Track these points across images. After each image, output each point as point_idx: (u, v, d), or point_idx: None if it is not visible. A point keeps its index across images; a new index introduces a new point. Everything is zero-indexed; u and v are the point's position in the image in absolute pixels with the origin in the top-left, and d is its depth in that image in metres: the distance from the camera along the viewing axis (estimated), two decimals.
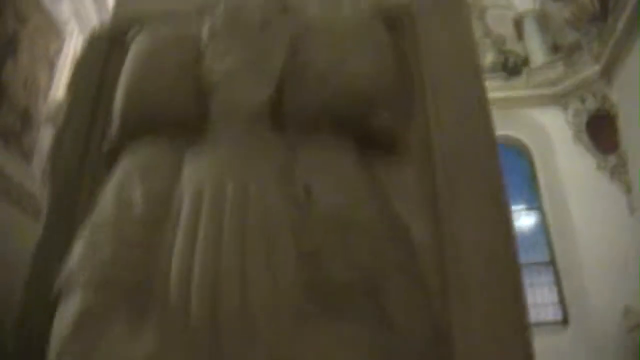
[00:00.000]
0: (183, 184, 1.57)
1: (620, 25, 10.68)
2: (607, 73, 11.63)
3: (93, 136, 2.02)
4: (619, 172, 11.27)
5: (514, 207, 11.45)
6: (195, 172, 1.59)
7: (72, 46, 9.96)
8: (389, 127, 1.68)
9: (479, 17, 12.44)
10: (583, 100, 11.87)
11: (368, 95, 1.68)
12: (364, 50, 1.74)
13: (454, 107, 1.71)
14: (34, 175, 8.58)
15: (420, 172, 1.68)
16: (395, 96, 1.74)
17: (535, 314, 9.72)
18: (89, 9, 10.33)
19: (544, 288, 10.68)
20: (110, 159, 1.87)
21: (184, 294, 1.36)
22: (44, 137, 9.07)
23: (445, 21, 1.88)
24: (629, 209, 10.93)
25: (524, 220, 11.51)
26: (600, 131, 11.60)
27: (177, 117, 1.78)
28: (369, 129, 1.68)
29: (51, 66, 9.70)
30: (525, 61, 12.79)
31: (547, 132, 11.89)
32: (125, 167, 1.68)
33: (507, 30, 13.13)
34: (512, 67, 12.69)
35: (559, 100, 12.12)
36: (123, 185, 1.60)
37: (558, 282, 10.74)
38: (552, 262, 10.96)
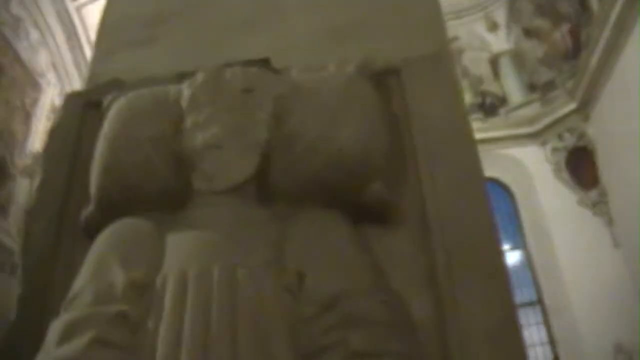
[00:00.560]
0: (166, 266, 1.47)
1: (593, 61, 10.89)
2: (583, 109, 11.83)
3: (69, 207, 1.92)
4: (600, 207, 11.35)
5: None
6: (179, 252, 1.49)
7: (49, 97, 9.89)
8: (382, 198, 1.60)
9: (456, 59, 12.60)
10: (561, 137, 12.03)
11: (360, 166, 1.61)
12: (353, 115, 1.68)
13: (448, 173, 1.64)
14: (10, 230, 8.39)
15: (416, 242, 1.61)
16: (387, 164, 1.67)
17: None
18: (66, 60, 10.29)
19: (532, 328, 10.60)
20: (89, 230, 1.77)
21: None
22: (20, 190, 8.92)
23: (433, 82, 1.83)
24: (612, 243, 10.97)
25: (508, 259, 11.48)
26: (580, 167, 11.73)
27: (157, 190, 1.70)
28: (361, 201, 1.60)
29: (27, 117, 9.60)
30: (503, 101, 12.98)
31: (527, 170, 11.99)
32: (104, 247, 1.58)
33: (483, 70, 13.34)
34: (490, 107, 12.85)
35: (537, 138, 12.27)
36: (102, 271, 1.50)
37: (546, 321, 10.66)
38: (539, 301, 10.90)
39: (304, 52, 2.11)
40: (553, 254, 10.99)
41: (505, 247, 11.55)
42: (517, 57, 13.14)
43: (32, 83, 9.54)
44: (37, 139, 9.19)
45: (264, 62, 1.93)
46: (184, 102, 1.77)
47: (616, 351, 9.68)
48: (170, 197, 1.69)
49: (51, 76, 10.00)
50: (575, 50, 11.93)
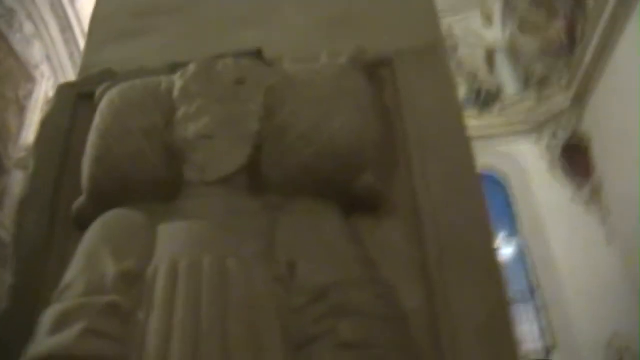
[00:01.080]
0: (157, 256, 1.47)
1: (588, 55, 10.91)
2: (578, 103, 11.85)
3: (61, 198, 1.91)
4: (595, 201, 11.38)
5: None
6: (170, 243, 1.49)
7: (44, 90, 9.86)
8: (374, 189, 1.60)
9: (451, 54, 12.59)
10: (556, 131, 12.06)
11: (352, 156, 1.61)
12: (345, 106, 1.68)
13: (440, 164, 1.64)
14: (5, 222, 8.37)
15: (407, 233, 1.61)
16: (379, 155, 1.67)
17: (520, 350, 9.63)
18: (60, 53, 10.26)
19: (528, 322, 10.64)
20: (81, 221, 1.77)
21: None
22: (15, 182, 8.89)
23: (426, 74, 1.83)
24: (606, 237, 11.01)
25: (503, 253, 11.50)
26: (574, 161, 11.76)
27: (149, 180, 1.70)
28: (353, 191, 1.60)
29: (22, 110, 9.57)
30: (498, 94, 12.98)
31: (522, 163, 12.02)
32: (96, 238, 1.58)
33: (478, 64, 13.34)
34: (485, 102, 12.86)
35: (532, 131, 12.30)
36: (93, 262, 1.49)
37: (541, 315, 10.71)
38: (534, 295, 10.94)
39: (297, 44, 2.10)
40: (548, 248, 11.03)
41: (500, 242, 11.58)
42: (513, 52, 13.15)
43: (26, 76, 9.51)
44: (31, 131, 9.15)
45: (257, 54, 1.93)
46: (175, 93, 1.77)
47: (610, 343, 9.73)
48: (162, 188, 1.69)
49: (45, 68, 9.97)
50: (571, 45, 11.93)
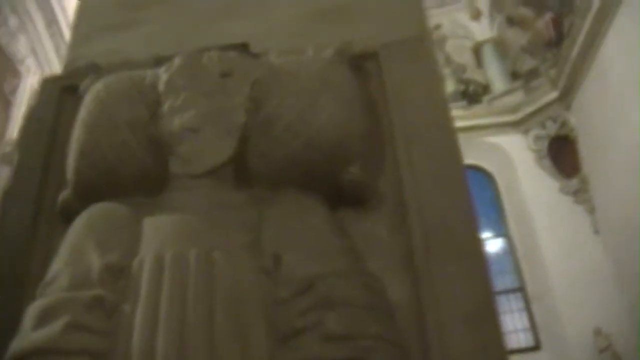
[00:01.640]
0: (143, 249, 1.46)
1: (575, 50, 10.97)
2: (565, 97, 11.93)
3: (46, 191, 1.90)
4: (582, 194, 11.47)
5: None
6: (155, 236, 1.48)
7: (29, 84, 9.77)
8: (360, 181, 1.61)
9: (439, 47, 12.62)
10: (543, 125, 12.12)
11: (337, 149, 1.61)
12: (331, 99, 1.67)
13: (426, 156, 1.64)
14: None
15: (394, 225, 1.61)
16: (365, 146, 1.67)
17: (507, 342, 9.71)
18: (46, 46, 10.17)
19: (515, 314, 10.71)
20: (66, 214, 1.76)
21: None
22: (1, 177, 8.82)
23: (411, 66, 1.82)
24: (593, 230, 11.11)
25: (491, 246, 11.58)
26: (562, 155, 11.84)
27: (134, 173, 1.69)
28: (339, 183, 1.60)
29: (7, 105, 9.49)
30: (486, 89, 13.04)
31: (509, 158, 12.08)
32: (80, 231, 1.57)
33: (466, 58, 13.39)
34: (473, 95, 12.91)
35: (520, 126, 12.36)
36: (78, 255, 1.49)
37: (528, 308, 10.79)
38: (521, 288, 11.02)
39: (283, 37, 2.10)
40: (535, 241, 11.11)
41: (488, 234, 11.65)
42: (500, 46, 13.20)
43: (12, 70, 9.43)
44: (17, 126, 9.07)
45: (243, 47, 1.92)
46: (161, 86, 1.76)
47: (596, 335, 9.83)
48: (148, 181, 1.68)
49: (31, 62, 9.89)
50: (558, 38, 12.00)
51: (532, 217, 11.32)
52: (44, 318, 1.37)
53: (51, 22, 10.18)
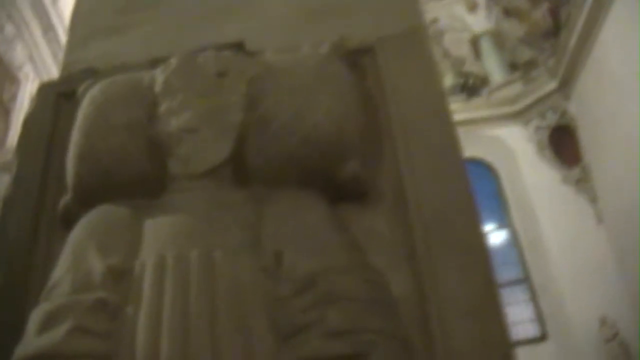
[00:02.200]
0: (144, 251, 1.46)
1: (573, 39, 10.95)
2: (564, 87, 11.90)
3: (46, 197, 1.90)
4: (584, 184, 11.45)
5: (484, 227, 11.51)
6: (156, 237, 1.48)
7: (28, 91, 9.77)
8: (359, 176, 1.60)
9: (436, 41, 12.61)
10: (543, 116, 12.10)
11: (335, 145, 1.61)
12: (328, 95, 1.67)
13: (425, 150, 1.64)
14: None
15: (394, 219, 1.61)
16: (363, 142, 1.67)
17: (513, 333, 9.70)
18: (43, 53, 10.17)
19: (520, 305, 10.70)
20: (66, 220, 1.76)
21: None
22: (2, 186, 8.83)
23: (408, 61, 1.82)
24: (596, 219, 11.09)
25: (494, 238, 11.57)
26: (563, 144, 11.82)
27: (133, 176, 1.69)
28: (338, 180, 1.60)
29: (7, 112, 9.49)
30: (485, 81, 13.01)
31: (510, 149, 12.06)
32: (81, 235, 1.57)
33: (464, 51, 13.35)
34: (472, 87, 12.88)
35: (520, 117, 12.33)
36: (80, 259, 1.49)
37: (533, 299, 10.77)
38: (526, 279, 11.00)
39: (279, 35, 2.10)
40: (538, 231, 11.09)
41: (491, 226, 11.64)
42: (498, 37, 13.17)
43: (10, 77, 9.44)
44: (16, 133, 9.09)
45: (238, 46, 1.92)
46: (157, 88, 1.76)
47: (601, 325, 9.82)
48: (147, 183, 1.68)
49: (29, 69, 9.90)
50: (556, 28, 11.97)
51: (535, 208, 11.30)
52: (48, 323, 1.37)
53: (48, 28, 10.19)
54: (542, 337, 10.39)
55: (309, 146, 1.60)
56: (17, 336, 1.43)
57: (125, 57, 2.11)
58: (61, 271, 1.51)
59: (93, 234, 1.55)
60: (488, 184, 11.74)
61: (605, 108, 10.33)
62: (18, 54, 9.57)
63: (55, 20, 10.25)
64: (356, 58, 1.86)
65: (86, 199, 1.70)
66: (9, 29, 9.31)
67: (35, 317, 1.41)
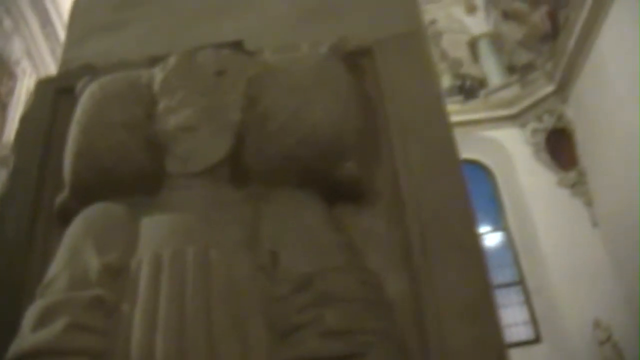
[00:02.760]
0: (140, 249, 1.47)
1: (571, 43, 10.98)
2: (562, 91, 11.95)
3: (43, 193, 1.90)
4: (579, 187, 11.50)
5: (479, 229, 11.54)
6: (153, 235, 1.49)
7: (25, 86, 9.75)
8: (356, 176, 1.61)
9: (434, 43, 12.62)
10: (540, 119, 12.14)
11: (333, 145, 1.62)
12: (326, 95, 1.68)
13: (421, 151, 1.65)
14: None
15: (391, 220, 1.61)
16: (360, 142, 1.67)
17: (507, 335, 9.72)
18: (41, 48, 10.15)
19: (514, 308, 10.73)
20: (63, 216, 1.76)
21: None
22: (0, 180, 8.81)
23: (406, 62, 1.83)
24: (591, 222, 11.13)
25: (489, 240, 11.60)
26: (559, 148, 11.87)
27: (131, 173, 1.69)
28: (335, 179, 1.61)
29: (3, 107, 9.47)
30: (482, 83, 13.04)
31: (507, 152, 12.09)
32: (78, 232, 1.57)
33: (462, 53, 13.38)
34: (469, 89, 12.91)
35: (517, 119, 12.37)
36: (76, 256, 1.49)
37: (528, 301, 10.81)
38: (521, 281, 11.04)
39: (278, 34, 2.10)
40: (533, 234, 11.13)
41: (487, 228, 11.67)
42: (496, 40, 13.20)
43: (8, 72, 9.41)
44: (13, 128, 9.07)
45: (237, 44, 1.92)
46: (156, 86, 1.76)
47: (595, 328, 9.86)
48: (144, 181, 1.68)
49: (26, 64, 9.87)
50: (554, 32, 12.01)
51: (531, 211, 11.34)
52: (44, 319, 1.37)
53: (46, 23, 10.17)
54: (536, 340, 10.43)
55: (307, 146, 1.61)
56: (14, 333, 1.43)
57: (123, 54, 2.11)
58: (58, 268, 1.51)
59: (90, 231, 1.55)
60: (484, 186, 11.78)
61: (603, 112, 10.37)
62: (16, 49, 9.55)
63: (53, 15, 10.23)
64: (355, 59, 1.86)
65: (83, 195, 1.70)
66: (7, 23, 9.29)
67: (31, 313, 1.41)
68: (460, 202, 1.58)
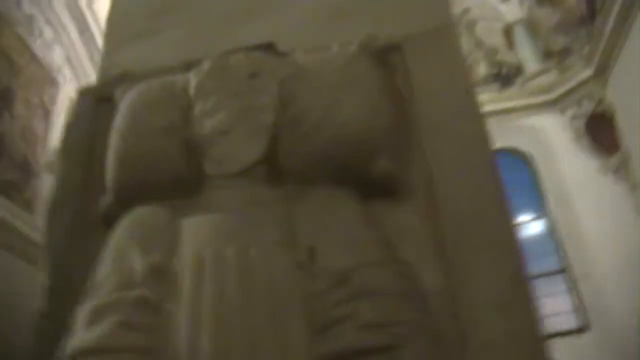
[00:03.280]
0: (182, 249, 1.52)
1: (609, 25, 10.71)
2: (601, 74, 11.65)
3: (88, 199, 1.97)
4: (622, 172, 11.22)
5: (520, 218, 11.40)
6: (194, 236, 1.54)
7: (67, 93, 10.00)
8: (389, 172, 1.63)
9: (469, 31, 12.48)
10: (579, 104, 11.88)
11: (364, 142, 1.64)
12: (356, 93, 1.70)
13: (453, 145, 1.66)
14: (38, 224, 8.56)
15: (424, 214, 1.63)
16: (392, 138, 1.69)
17: (552, 324, 9.59)
18: (81, 55, 10.39)
19: (559, 296, 10.56)
20: (107, 220, 1.82)
21: None
22: (45, 185, 9.07)
23: (436, 56, 1.84)
24: (635, 208, 10.87)
25: (531, 229, 11.43)
26: (600, 133, 11.60)
27: (171, 177, 1.75)
28: (369, 176, 1.63)
29: (47, 114, 9.73)
30: (519, 70, 12.82)
31: (547, 138, 11.88)
32: (123, 236, 1.63)
33: (497, 40, 13.18)
34: (506, 77, 12.72)
35: (556, 105, 12.14)
36: (122, 258, 1.55)
37: (574, 289, 10.62)
38: (564, 269, 10.85)
39: (308, 35, 2.13)
40: (576, 221, 10.92)
41: (528, 216, 11.50)
42: (531, 25, 12.95)
43: (50, 80, 9.67)
44: (57, 134, 9.31)
45: (269, 46, 1.96)
46: (191, 91, 1.81)
47: None
48: (184, 184, 1.74)
49: (67, 71, 10.12)
50: (590, 15, 11.71)
51: (573, 197, 11.13)
52: (94, 318, 1.43)
53: (84, 30, 10.40)
54: (582, 328, 10.25)
55: (339, 145, 1.64)
56: (61, 335, 1.50)
57: (159, 60, 2.17)
58: (105, 270, 1.58)
59: (134, 234, 1.61)
60: (524, 174, 11.61)
61: None
62: (56, 57, 9.81)
63: (90, 21, 10.46)
64: (384, 55, 1.88)
65: (126, 200, 1.77)
66: (48, 33, 9.54)
67: (82, 314, 1.48)
68: (494, 195, 1.59)
